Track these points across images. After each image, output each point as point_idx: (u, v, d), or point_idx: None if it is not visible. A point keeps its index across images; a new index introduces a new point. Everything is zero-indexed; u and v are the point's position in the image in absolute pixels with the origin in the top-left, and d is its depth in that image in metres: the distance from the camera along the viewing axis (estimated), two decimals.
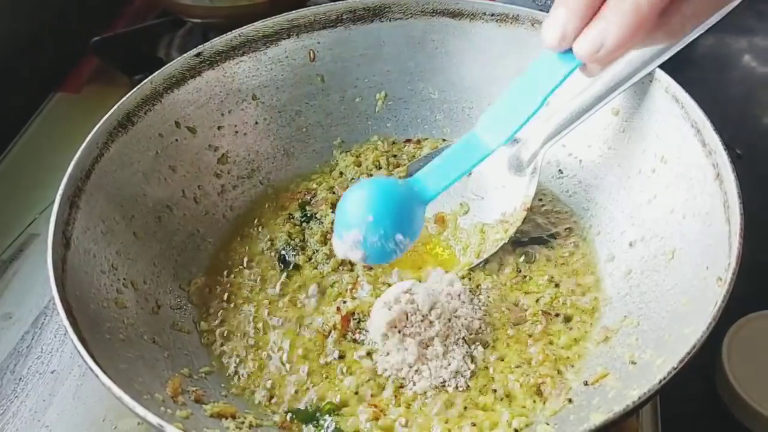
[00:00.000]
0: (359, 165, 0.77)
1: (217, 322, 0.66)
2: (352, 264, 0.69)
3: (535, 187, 0.69)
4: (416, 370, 0.60)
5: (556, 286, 0.67)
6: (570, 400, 0.58)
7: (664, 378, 0.48)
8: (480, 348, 0.62)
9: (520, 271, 0.68)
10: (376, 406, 0.59)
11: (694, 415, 0.71)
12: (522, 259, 0.69)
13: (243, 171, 0.75)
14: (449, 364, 0.60)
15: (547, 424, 0.56)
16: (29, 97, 0.97)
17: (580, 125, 0.67)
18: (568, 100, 0.67)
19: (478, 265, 0.68)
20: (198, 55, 0.72)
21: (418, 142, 0.79)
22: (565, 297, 0.66)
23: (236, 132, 0.75)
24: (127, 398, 0.49)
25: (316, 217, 0.73)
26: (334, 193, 0.75)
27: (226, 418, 0.57)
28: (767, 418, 0.66)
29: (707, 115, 0.61)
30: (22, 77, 0.96)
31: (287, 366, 0.63)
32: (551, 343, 0.63)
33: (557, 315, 0.64)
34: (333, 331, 0.64)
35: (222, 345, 0.65)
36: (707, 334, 0.49)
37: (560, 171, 0.74)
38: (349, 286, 0.67)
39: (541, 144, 0.68)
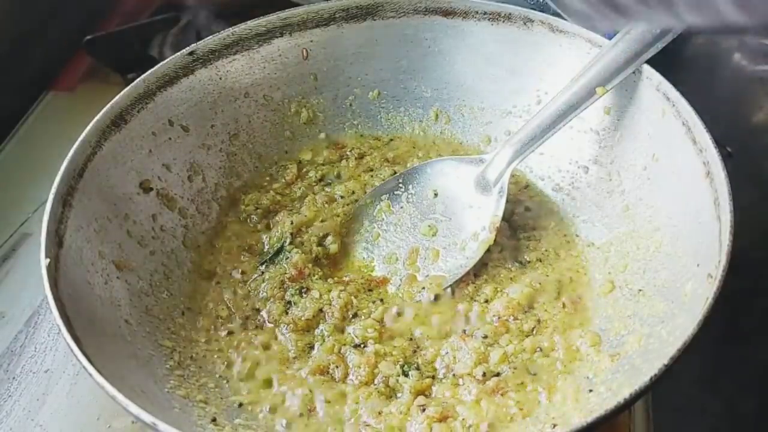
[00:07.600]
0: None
1: (209, 321, 0.66)
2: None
3: (503, 207, 0.68)
4: None
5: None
6: None
7: (656, 375, 0.49)
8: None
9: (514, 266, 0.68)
10: None
11: (686, 410, 0.72)
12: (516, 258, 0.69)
13: (236, 169, 0.75)
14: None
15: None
16: (22, 95, 0.97)
17: (553, 134, 0.67)
18: (529, 119, 0.67)
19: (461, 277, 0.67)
20: (191, 53, 0.72)
21: None
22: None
23: (229, 130, 0.75)
24: (120, 396, 0.50)
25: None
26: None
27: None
28: None
29: (698, 113, 0.61)
30: (14, 76, 0.96)
31: (279, 366, 0.63)
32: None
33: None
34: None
35: (217, 345, 0.65)
36: (697, 330, 0.50)
37: (549, 167, 0.74)
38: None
39: (506, 164, 0.68)
